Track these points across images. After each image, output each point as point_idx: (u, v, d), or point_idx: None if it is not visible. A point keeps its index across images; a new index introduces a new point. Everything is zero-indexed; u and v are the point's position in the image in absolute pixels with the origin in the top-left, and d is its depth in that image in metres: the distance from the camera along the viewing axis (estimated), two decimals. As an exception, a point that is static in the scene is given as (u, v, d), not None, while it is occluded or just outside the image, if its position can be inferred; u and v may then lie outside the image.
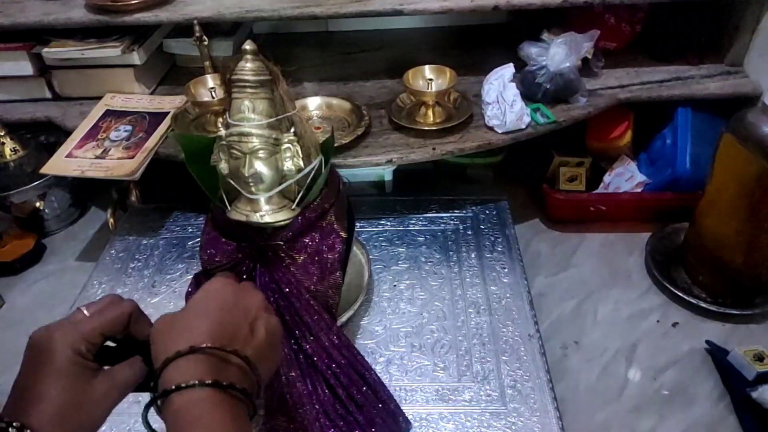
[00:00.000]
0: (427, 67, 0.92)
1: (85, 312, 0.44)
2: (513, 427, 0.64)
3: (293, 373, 0.62)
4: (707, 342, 0.76)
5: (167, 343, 0.40)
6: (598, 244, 0.93)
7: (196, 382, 0.37)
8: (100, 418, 0.42)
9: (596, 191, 0.97)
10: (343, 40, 1.19)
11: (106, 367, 0.43)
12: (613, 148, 0.98)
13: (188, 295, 0.65)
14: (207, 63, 0.93)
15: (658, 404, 0.71)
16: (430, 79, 0.91)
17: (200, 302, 0.44)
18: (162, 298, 0.82)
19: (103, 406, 0.41)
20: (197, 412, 0.37)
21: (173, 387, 0.37)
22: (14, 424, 0.37)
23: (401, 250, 0.87)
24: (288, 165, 0.61)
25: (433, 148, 0.87)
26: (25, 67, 0.98)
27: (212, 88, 0.90)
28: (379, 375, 0.66)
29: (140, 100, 0.99)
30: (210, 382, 0.37)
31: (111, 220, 0.95)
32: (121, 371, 0.43)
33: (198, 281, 0.65)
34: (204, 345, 0.39)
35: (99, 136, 0.91)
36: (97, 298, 0.79)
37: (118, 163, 0.86)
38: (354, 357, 0.65)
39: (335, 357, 0.63)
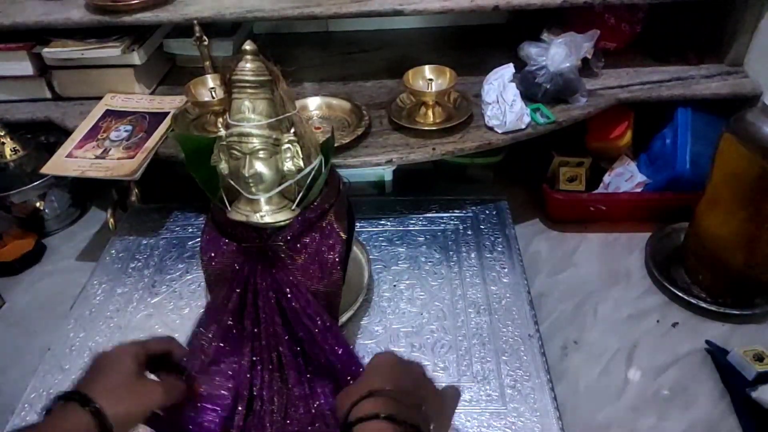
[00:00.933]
0: (427, 67, 0.92)
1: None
2: (513, 427, 0.64)
3: (292, 374, 0.62)
4: (707, 342, 0.76)
5: (351, 395, 0.48)
6: (598, 244, 0.93)
7: (377, 413, 0.45)
8: (143, 410, 0.53)
9: (596, 191, 0.97)
10: (343, 40, 1.19)
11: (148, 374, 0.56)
12: (613, 148, 0.98)
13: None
14: (207, 63, 0.93)
15: (658, 404, 0.71)
16: (430, 79, 0.91)
17: (375, 366, 0.52)
18: (162, 298, 0.82)
19: (145, 401, 0.53)
20: None
21: (358, 418, 0.45)
22: (91, 404, 0.48)
23: (401, 250, 0.87)
24: (288, 165, 0.61)
25: (433, 148, 0.87)
26: (25, 67, 0.99)
27: (212, 88, 0.90)
28: (379, 375, 0.66)
29: (140, 100, 0.99)
30: (386, 415, 0.45)
31: (111, 220, 0.95)
32: (163, 386, 0.55)
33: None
34: (382, 388, 0.48)
35: (99, 136, 0.92)
36: (98, 298, 0.81)
37: (118, 163, 0.86)
38: (354, 357, 0.64)
39: (335, 357, 0.63)
